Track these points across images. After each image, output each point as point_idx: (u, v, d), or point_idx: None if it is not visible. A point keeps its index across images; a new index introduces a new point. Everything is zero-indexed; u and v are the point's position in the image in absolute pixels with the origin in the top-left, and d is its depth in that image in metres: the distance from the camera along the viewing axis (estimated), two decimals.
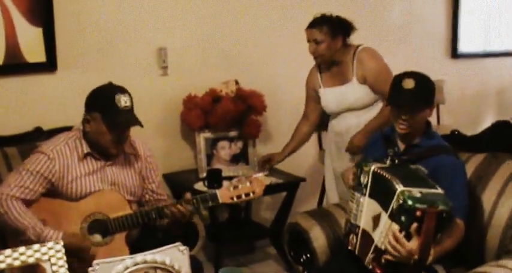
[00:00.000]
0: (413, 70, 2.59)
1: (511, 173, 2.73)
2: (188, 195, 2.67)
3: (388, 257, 2.30)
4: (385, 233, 2.32)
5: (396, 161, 2.49)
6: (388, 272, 2.34)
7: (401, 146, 2.65)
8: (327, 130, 3.84)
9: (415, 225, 2.21)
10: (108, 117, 2.57)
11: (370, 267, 2.39)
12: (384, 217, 2.34)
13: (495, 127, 2.97)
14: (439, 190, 2.29)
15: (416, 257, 2.22)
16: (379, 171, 2.40)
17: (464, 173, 2.61)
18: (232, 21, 4.02)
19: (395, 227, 2.26)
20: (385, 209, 2.33)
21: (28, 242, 2.36)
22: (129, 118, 2.60)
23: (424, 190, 2.26)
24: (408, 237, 2.23)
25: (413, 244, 2.21)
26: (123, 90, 2.61)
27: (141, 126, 2.63)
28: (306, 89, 3.63)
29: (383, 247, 2.32)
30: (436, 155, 2.55)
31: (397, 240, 2.25)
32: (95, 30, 3.52)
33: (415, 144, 2.62)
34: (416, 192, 2.24)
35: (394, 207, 2.27)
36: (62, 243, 1.81)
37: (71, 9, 3.42)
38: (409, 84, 2.52)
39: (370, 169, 2.43)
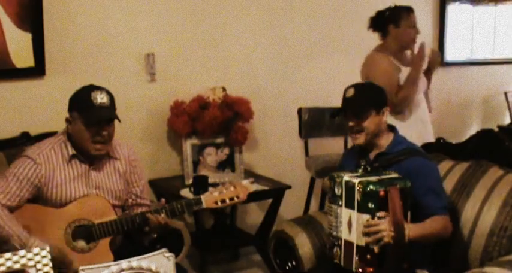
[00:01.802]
0: (358, 82, 2.77)
1: (495, 181, 2.75)
2: (163, 201, 2.69)
3: (374, 247, 2.35)
4: (360, 228, 2.38)
5: (369, 169, 2.54)
6: (378, 266, 2.38)
7: (372, 156, 2.69)
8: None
9: (381, 206, 2.34)
10: (84, 113, 2.58)
11: (360, 270, 2.41)
12: (354, 215, 2.41)
13: (480, 136, 3.00)
14: (394, 174, 2.46)
15: (392, 233, 2.31)
16: (349, 179, 2.44)
17: (437, 173, 2.68)
18: (220, 28, 4.04)
19: (366, 217, 2.36)
20: (353, 207, 2.41)
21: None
22: (104, 113, 2.61)
23: (380, 177, 2.43)
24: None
25: (386, 220, 2.33)
26: (100, 88, 2.63)
27: (118, 120, 2.65)
28: (389, 75, 3.69)
29: (363, 243, 2.37)
30: (407, 159, 2.60)
31: (371, 225, 2.34)
32: (84, 36, 3.53)
33: (383, 152, 2.66)
34: (373, 179, 2.40)
35: (359, 199, 2.38)
36: (48, 248, 1.81)
37: (60, 15, 3.43)
38: (349, 92, 2.66)
39: (342, 180, 2.47)
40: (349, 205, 2.44)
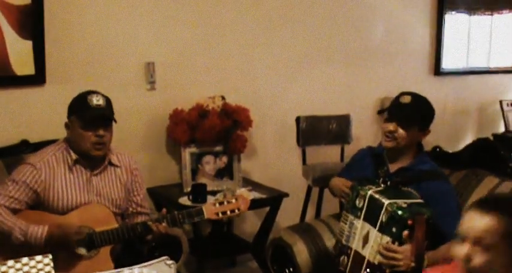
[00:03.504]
0: (415, 92, 2.71)
1: (490, 189, 2.78)
2: (164, 211, 2.70)
3: (386, 269, 2.35)
4: (376, 247, 2.37)
5: (388, 182, 2.53)
6: None
7: (392, 168, 2.70)
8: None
9: (406, 232, 2.30)
10: (81, 115, 2.63)
11: None
12: (373, 232, 2.40)
13: (476, 144, 3.03)
14: (420, 200, 2.43)
15: (413, 264, 2.30)
16: (377, 197, 2.43)
17: (456, 197, 2.70)
18: (219, 37, 4.05)
19: (386, 239, 2.34)
20: (374, 225, 2.40)
21: (15, 247, 2.39)
22: (100, 113, 2.64)
23: (408, 201, 2.38)
24: (400, 245, 2.33)
25: (407, 248, 2.30)
26: (96, 92, 2.67)
27: (115, 121, 2.69)
28: None
29: (376, 262, 2.37)
30: (429, 180, 2.60)
31: (390, 250, 2.32)
32: (84, 44, 3.54)
33: (406, 167, 2.67)
34: (401, 203, 2.35)
35: (384, 220, 2.36)
36: (50, 256, 1.83)
37: (61, 23, 3.44)
38: (406, 99, 2.64)
39: (366, 194, 2.47)
40: (369, 220, 2.43)
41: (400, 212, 2.31)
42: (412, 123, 2.62)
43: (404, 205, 2.34)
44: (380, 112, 2.78)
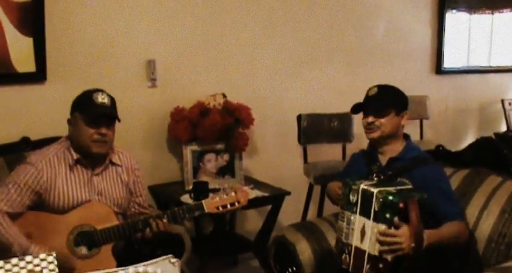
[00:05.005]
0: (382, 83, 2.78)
1: (493, 188, 2.78)
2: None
3: (388, 257, 2.35)
4: (374, 238, 2.38)
5: (382, 176, 2.56)
6: None
7: (383, 161, 2.72)
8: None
9: (399, 216, 2.32)
10: (85, 112, 2.61)
11: None
12: (369, 224, 2.41)
13: (478, 143, 3.02)
14: (409, 185, 2.49)
15: (413, 244, 2.31)
16: (367, 188, 2.45)
17: (448, 179, 2.75)
18: (221, 35, 4.06)
19: (382, 227, 2.35)
20: (368, 216, 2.41)
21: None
22: (104, 111, 2.63)
23: (397, 187, 2.43)
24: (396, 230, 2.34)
25: (404, 229, 2.31)
26: (101, 90, 2.66)
27: (118, 120, 2.68)
28: None
29: (376, 252, 2.37)
30: (420, 167, 2.63)
31: (388, 235, 2.33)
32: (85, 42, 3.54)
33: (396, 157, 2.70)
34: (391, 190, 2.40)
35: (376, 208, 2.38)
36: (54, 254, 1.82)
37: (62, 20, 3.43)
38: (372, 91, 2.72)
39: (359, 187, 2.47)
40: (364, 213, 2.44)
41: (390, 198, 2.34)
42: (385, 110, 2.67)
43: (394, 191, 2.38)
44: (353, 111, 2.82)
